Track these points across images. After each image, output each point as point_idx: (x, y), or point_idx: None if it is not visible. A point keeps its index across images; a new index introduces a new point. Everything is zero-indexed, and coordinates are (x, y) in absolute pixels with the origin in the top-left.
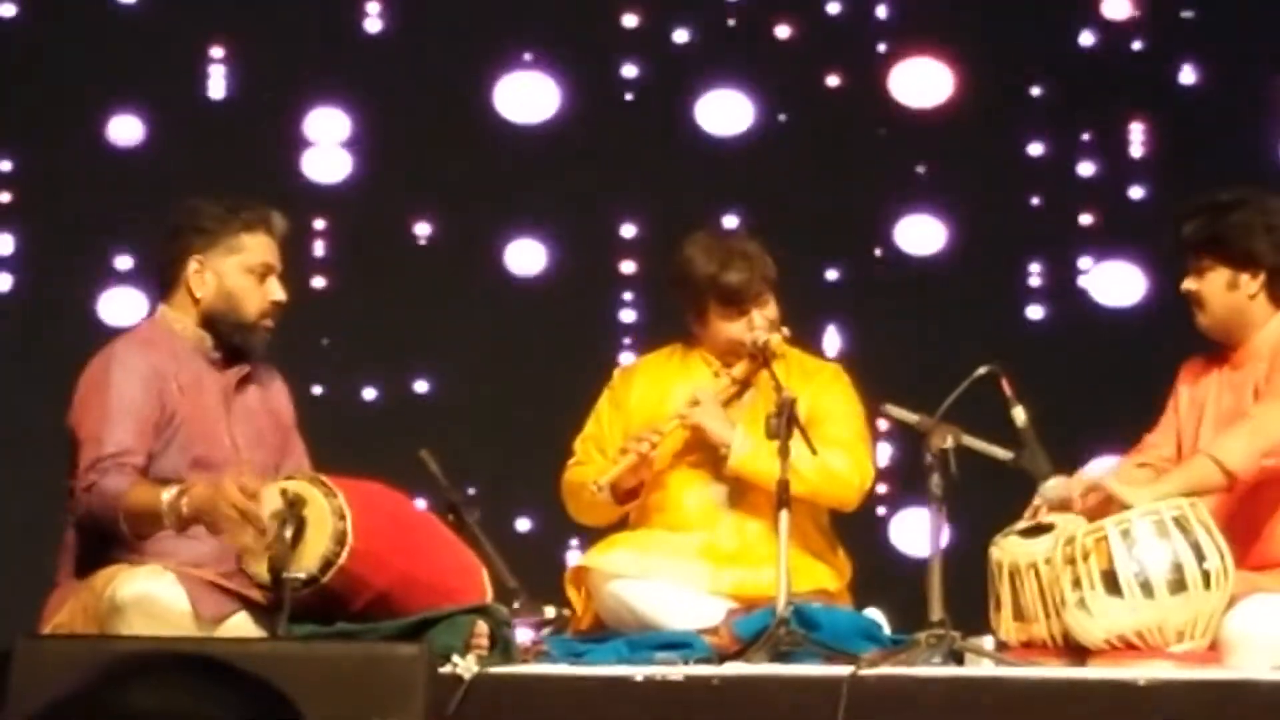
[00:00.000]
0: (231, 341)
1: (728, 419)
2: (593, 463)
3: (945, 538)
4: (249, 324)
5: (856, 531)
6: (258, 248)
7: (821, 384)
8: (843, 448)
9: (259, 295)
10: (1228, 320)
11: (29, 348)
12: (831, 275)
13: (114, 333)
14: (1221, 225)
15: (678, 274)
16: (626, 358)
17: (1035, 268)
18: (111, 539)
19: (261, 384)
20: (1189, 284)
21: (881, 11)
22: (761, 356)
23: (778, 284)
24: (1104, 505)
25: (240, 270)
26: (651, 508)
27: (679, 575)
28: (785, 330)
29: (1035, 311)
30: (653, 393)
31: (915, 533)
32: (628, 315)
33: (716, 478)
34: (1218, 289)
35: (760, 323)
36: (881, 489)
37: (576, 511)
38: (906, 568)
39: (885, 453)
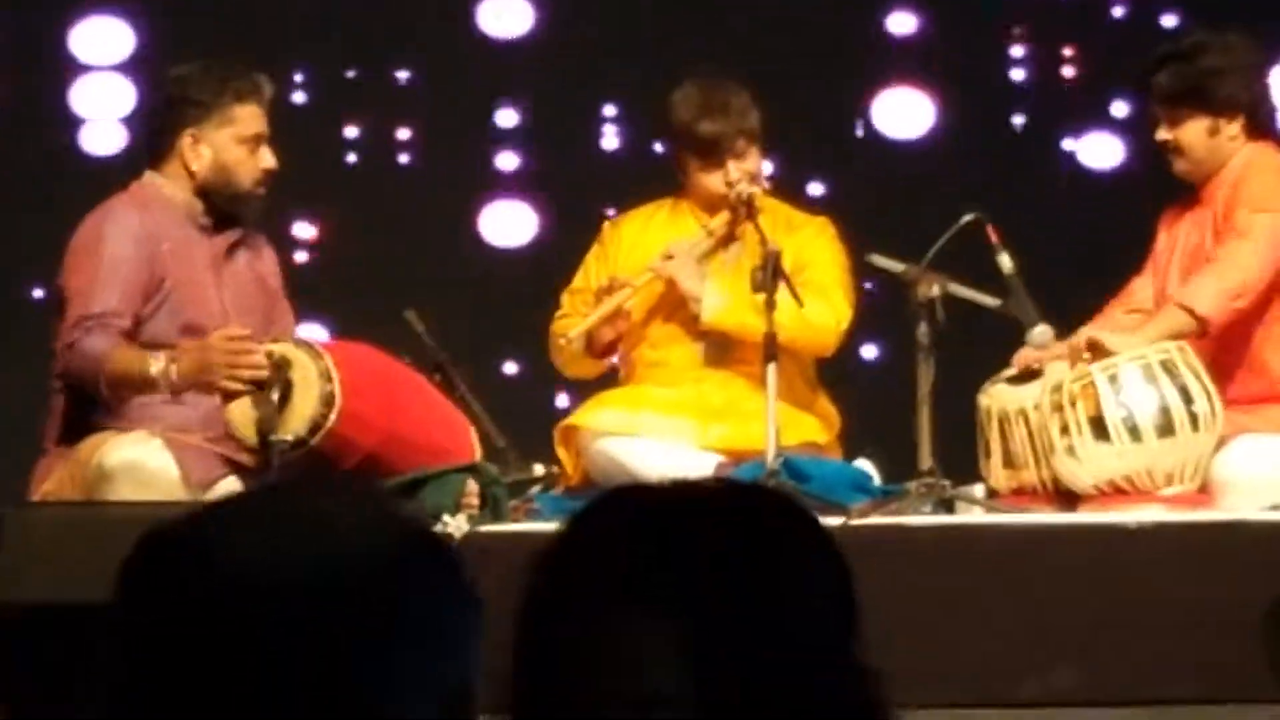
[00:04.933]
0: (225, 210)
1: (701, 273)
2: (578, 315)
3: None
4: (244, 193)
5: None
6: (250, 118)
7: (806, 236)
8: (818, 293)
9: (252, 164)
10: (1208, 164)
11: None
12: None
13: None
14: (1195, 74)
15: (661, 122)
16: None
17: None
18: (97, 404)
19: (250, 250)
20: (1165, 134)
21: None
22: (745, 210)
23: (759, 135)
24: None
25: (234, 142)
26: (638, 364)
27: (667, 431)
28: (765, 184)
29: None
30: (640, 245)
31: None
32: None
33: (701, 333)
34: (1199, 137)
35: (735, 175)
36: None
37: (559, 365)
38: (896, 417)
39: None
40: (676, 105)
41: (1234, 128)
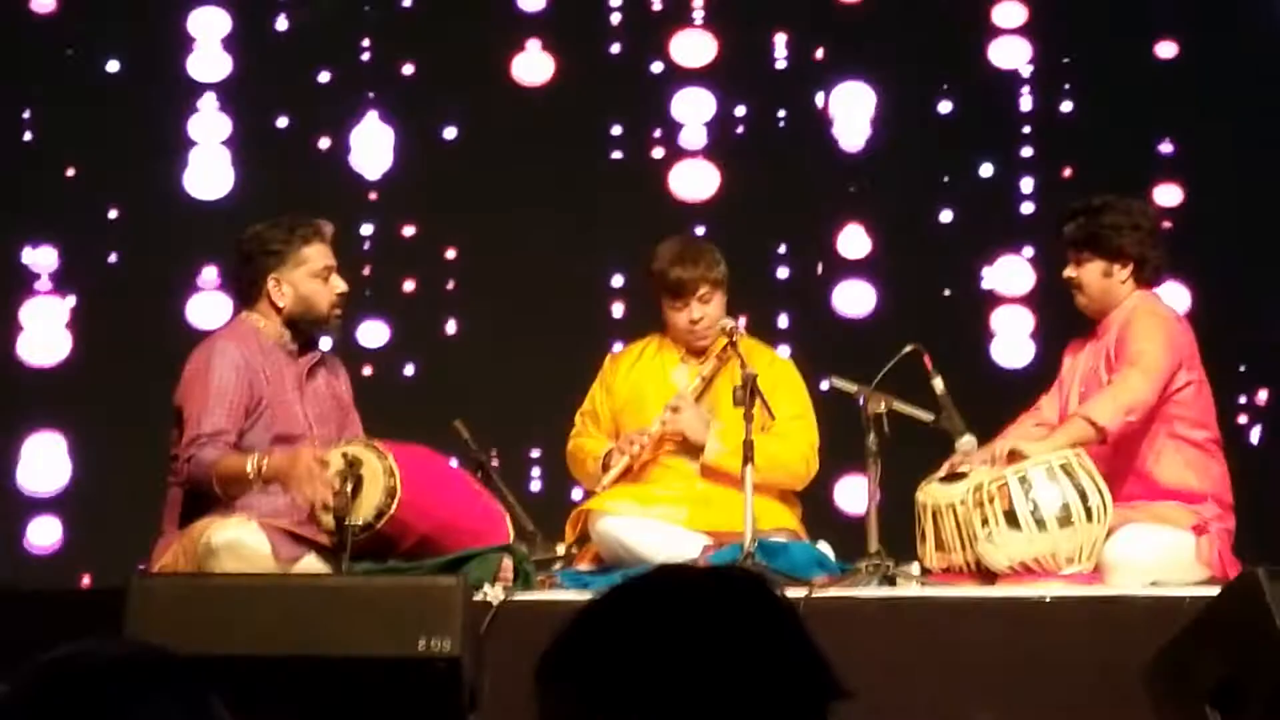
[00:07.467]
0: (309, 335)
1: (705, 420)
2: (589, 433)
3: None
4: (324, 316)
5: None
6: (318, 255)
7: (776, 373)
8: (787, 432)
9: (327, 292)
10: (1101, 301)
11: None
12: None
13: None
14: (1096, 226)
15: (646, 269)
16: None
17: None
18: (206, 497)
19: (328, 370)
20: (1070, 272)
21: None
22: (729, 340)
23: (724, 284)
24: (1009, 458)
25: (308, 277)
26: (644, 469)
27: (663, 513)
28: (729, 321)
29: None
30: (633, 376)
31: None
32: (617, 311)
33: (697, 454)
34: (1095, 277)
35: (697, 314)
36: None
37: (579, 478)
38: (850, 512)
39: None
40: (657, 254)
41: (1124, 273)
